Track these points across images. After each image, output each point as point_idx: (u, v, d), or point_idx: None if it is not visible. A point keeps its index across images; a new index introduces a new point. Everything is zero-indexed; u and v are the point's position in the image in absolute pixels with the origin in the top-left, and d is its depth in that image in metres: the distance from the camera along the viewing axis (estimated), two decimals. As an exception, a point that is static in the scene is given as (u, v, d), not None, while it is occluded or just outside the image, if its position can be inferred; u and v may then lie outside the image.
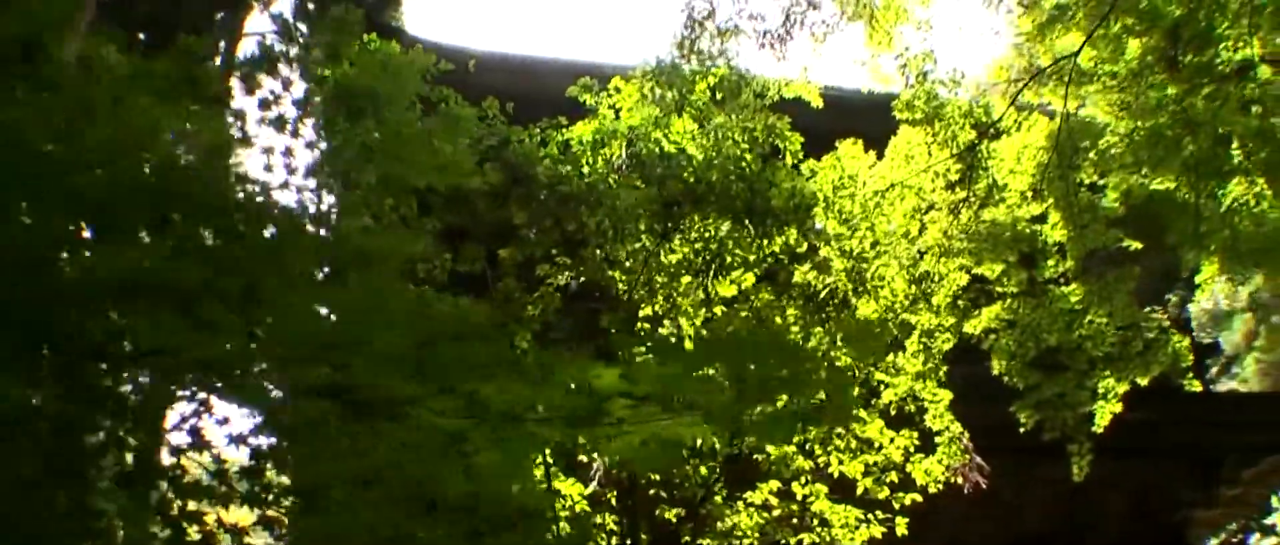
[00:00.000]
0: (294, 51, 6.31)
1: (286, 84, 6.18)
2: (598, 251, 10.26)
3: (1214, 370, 21.63)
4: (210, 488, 3.22)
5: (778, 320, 10.20)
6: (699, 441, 9.53)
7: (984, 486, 10.87)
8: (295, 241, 2.60)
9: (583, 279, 10.38)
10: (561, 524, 9.48)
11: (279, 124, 4.97)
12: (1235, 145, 10.48)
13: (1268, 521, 20.20)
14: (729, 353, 2.73)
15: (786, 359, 2.61)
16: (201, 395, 3.01)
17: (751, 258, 10.23)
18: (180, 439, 3.33)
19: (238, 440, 3.38)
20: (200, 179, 2.75)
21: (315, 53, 5.12)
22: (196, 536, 3.18)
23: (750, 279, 10.44)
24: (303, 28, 7.65)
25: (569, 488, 9.96)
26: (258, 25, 10.22)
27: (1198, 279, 12.01)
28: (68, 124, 2.68)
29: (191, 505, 3.21)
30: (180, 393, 2.99)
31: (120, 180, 2.61)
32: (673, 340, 10.34)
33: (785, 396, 2.65)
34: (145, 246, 2.67)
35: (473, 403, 2.66)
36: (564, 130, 10.39)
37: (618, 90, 10.67)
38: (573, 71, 11.22)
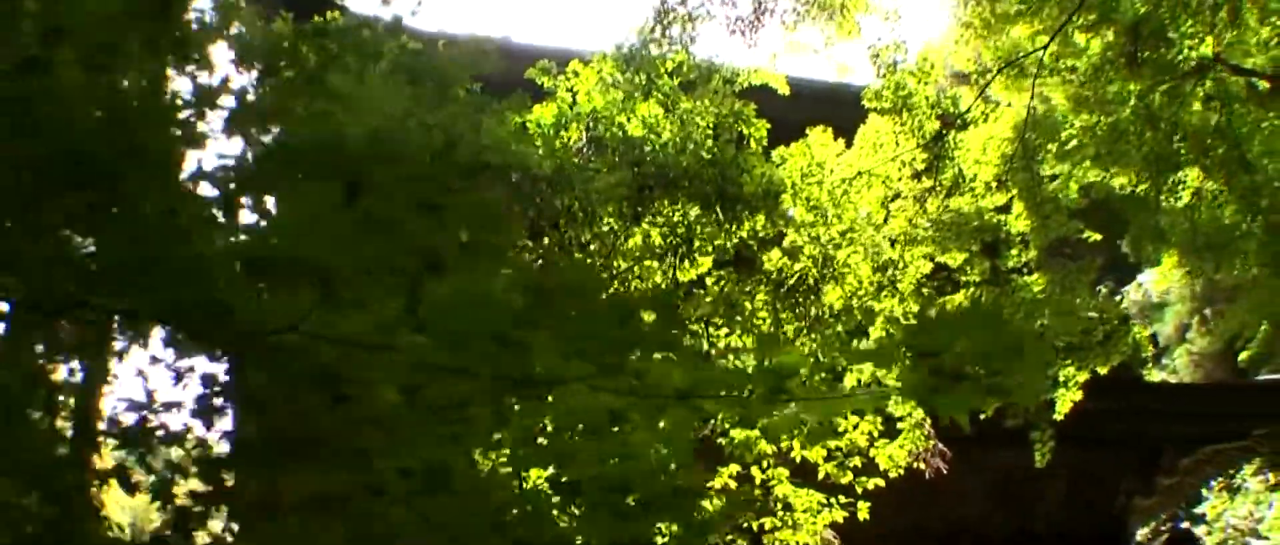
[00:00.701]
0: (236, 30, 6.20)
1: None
2: (565, 235, 10.24)
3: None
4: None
5: (747, 305, 10.27)
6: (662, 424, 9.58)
7: (932, 473, 11.03)
8: (496, 213, 2.56)
9: (542, 262, 10.35)
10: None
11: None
12: (1183, 146, 10.71)
13: (1197, 510, 20.75)
14: (941, 327, 2.74)
15: (992, 332, 2.63)
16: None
17: (720, 243, 10.28)
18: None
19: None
20: (403, 146, 2.71)
21: (369, 30, 5.05)
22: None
23: (708, 263, 10.49)
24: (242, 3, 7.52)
25: (535, 473, 9.92)
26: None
27: (1159, 271, 12.24)
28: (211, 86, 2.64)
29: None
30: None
31: (307, 147, 2.56)
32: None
33: (982, 371, 2.67)
34: (276, 221, 2.62)
35: (638, 380, 2.65)
36: (522, 113, 10.34)
37: (576, 74, 10.65)
38: (522, 54, 11.15)
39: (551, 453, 3.36)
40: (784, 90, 10.72)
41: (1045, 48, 10.60)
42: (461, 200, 2.53)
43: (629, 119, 10.45)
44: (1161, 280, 13.00)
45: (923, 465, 10.60)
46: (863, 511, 10.45)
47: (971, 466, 14.29)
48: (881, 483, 10.42)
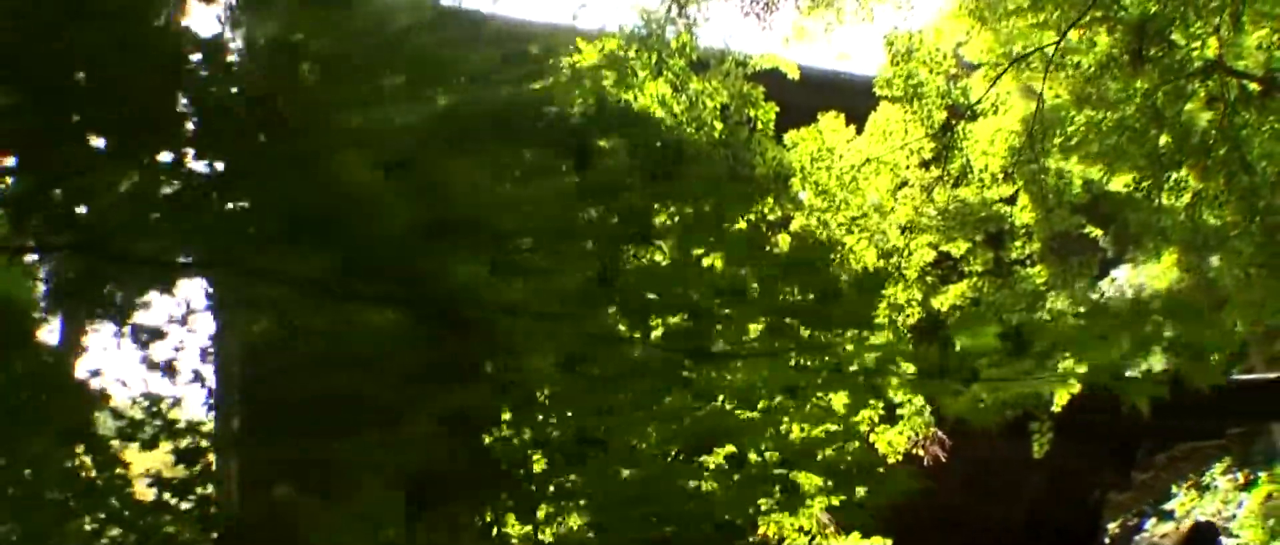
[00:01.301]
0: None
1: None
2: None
3: (1120, 358, 22.22)
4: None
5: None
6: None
7: (930, 460, 11.08)
8: (744, 186, 2.57)
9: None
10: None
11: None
12: (1185, 146, 10.80)
13: (1166, 507, 20.94)
14: (1147, 314, 2.79)
15: (1186, 319, 2.67)
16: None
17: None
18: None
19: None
20: (638, 116, 2.69)
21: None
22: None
23: (705, 245, 10.49)
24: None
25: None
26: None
27: (1133, 269, 12.35)
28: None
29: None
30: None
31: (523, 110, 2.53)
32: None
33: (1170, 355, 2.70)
34: (464, 182, 2.60)
35: (827, 356, 2.66)
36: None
37: (578, 51, 10.60)
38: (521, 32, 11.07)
39: (719, 426, 3.37)
40: (794, 75, 10.74)
41: (1056, 44, 10.67)
42: (699, 171, 2.54)
43: (637, 97, 10.43)
44: (1157, 278, 13.06)
45: (922, 451, 10.66)
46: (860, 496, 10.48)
47: (952, 455, 14.40)
48: (881, 470, 10.46)
